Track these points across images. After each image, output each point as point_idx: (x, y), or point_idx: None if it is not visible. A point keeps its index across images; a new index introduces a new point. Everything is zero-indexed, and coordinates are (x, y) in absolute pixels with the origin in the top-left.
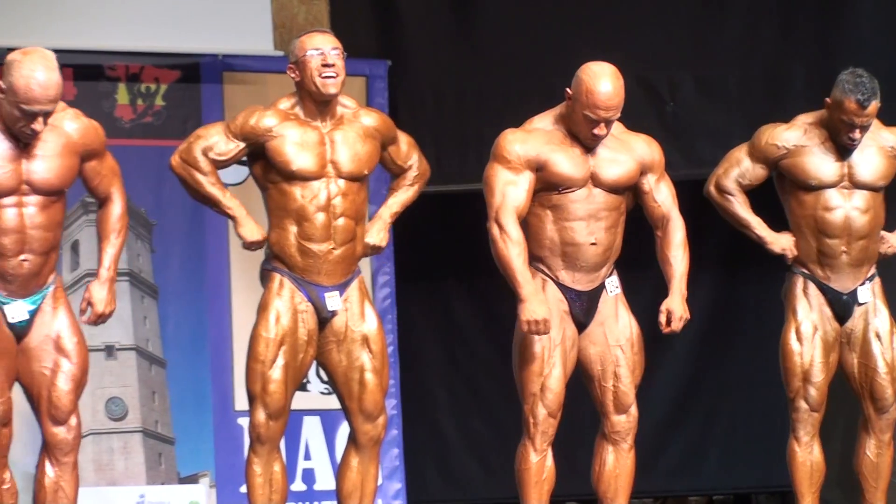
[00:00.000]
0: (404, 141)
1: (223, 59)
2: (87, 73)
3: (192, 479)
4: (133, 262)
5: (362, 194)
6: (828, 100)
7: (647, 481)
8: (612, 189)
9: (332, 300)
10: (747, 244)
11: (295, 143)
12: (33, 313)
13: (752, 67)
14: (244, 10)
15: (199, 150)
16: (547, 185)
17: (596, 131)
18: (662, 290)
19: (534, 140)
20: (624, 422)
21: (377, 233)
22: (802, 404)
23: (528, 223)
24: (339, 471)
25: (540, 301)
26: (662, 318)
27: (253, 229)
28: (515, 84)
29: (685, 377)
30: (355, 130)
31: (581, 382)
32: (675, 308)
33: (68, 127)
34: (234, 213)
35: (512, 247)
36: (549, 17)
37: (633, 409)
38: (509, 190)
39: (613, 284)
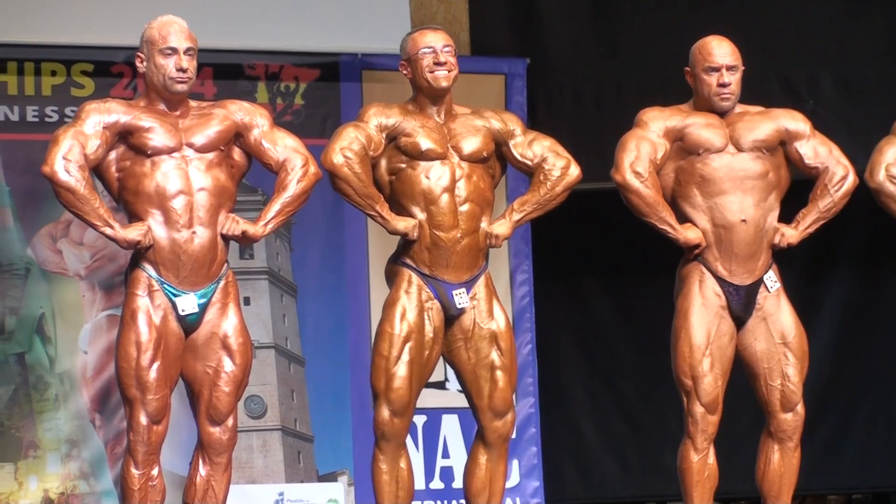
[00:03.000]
0: (538, 139)
1: (362, 57)
2: (226, 72)
3: (330, 477)
4: (272, 260)
5: (486, 180)
6: None
7: None
8: (754, 147)
9: (460, 297)
10: (887, 238)
11: (418, 128)
12: (203, 306)
13: (892, 64)
14: (383, 9)
15: (359, 147)
16: (688, 152)
17: (722, 80)
18: None
19: (673, 112)
20: (791, 420)
21: (499, 223)
22: None
23: (678, 212)
24: (468, 468)
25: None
26: (777, 237)
27: (404, 219)
28: (654, 82)
29: (824, 374)
30: (470, 120)
31: (741, 381)
32: (789, 233)
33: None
34: (385, 212)
35: (655, 192)
36: (687, 15)
37: (800, 408)
38: (644, 145)
39: (773, 280)
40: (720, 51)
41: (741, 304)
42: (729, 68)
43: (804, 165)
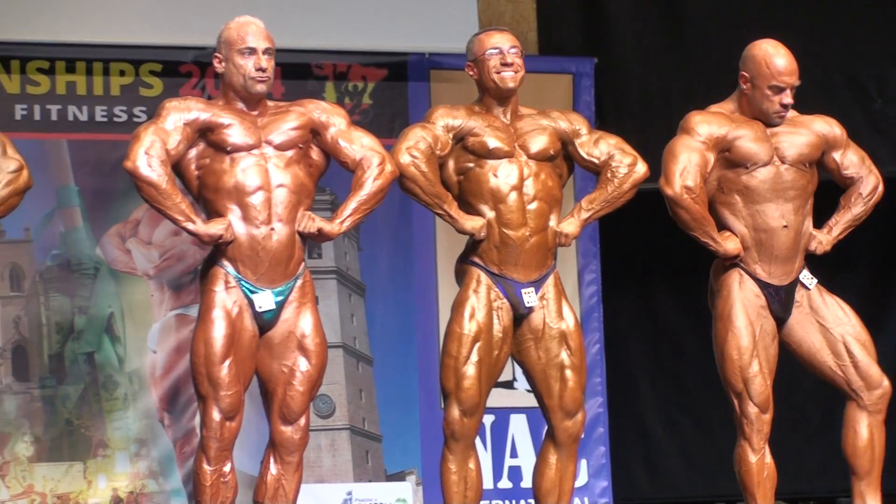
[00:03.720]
0: (604, 137)
1: (430, 57)
2: (295, 72)
3: (398, 477)
4: (340, 260)
5: (554, 178)
6: None
7: None
8: (799, 161)
9: (529, 296)
10: None
11: (485, 127)
12: (280, 304)
13: None
14: (451, 9)
15: (425, 146)
16: (734, 164)
17: (785, 100)
18: None
19: (720, 119)
20: (879, 394)
21: (568, 221)
22: None
23: (717, 219)
24: (537, 468)
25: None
26: (814, 244)
27: (472, 218)
28: (721, 81)
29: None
30: (536, 120)
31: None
32: (825, 240)
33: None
34: (453, 211)
35: (702, 206)
36: (755, 15)
37: (886, 381)
38: (694, 156)
39: (808, 277)
40: (788, 69)
41: (781, 304)
42: (792, 88)
43: (839, 175)
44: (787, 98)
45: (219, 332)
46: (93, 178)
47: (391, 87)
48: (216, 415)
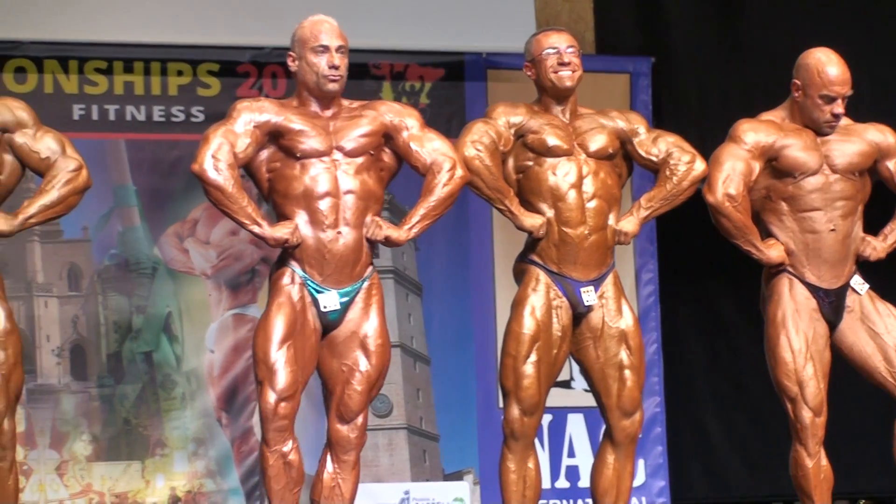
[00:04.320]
0: (662, 136)
1: (487, 56)
2: (352, 72)
3: (456, 476)
4: (397, 259)
5: (613, 177)
6: None
7: None
8: (848, 171)
9: (588, 295)
10: None
11: (545, 125)
12: (346, 305)
13: None
14: (508, 8)
15: (489, 141)
16: (781, 173)
17: (836, 110)
18: None
19: (769, 127)
20: None
21: (627, 220)
22: None
23: (763, 225)
24: (595, 468)
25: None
26: (868, 251)
27: (532, 215)
28: (780, 81)
29: None
30: (595, 119)
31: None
32: (879, 247)
33: None
34: (514, 207)
35: (745, 215)
36: (814, 14)
37: None
38: (739, 164)
39: (860, 282)
40: (840, 78)
41: (832, 307)
42: (844, 98)
43: (893, 184)
44: (839, 108)
45: (279, 318)
46: (150, 177)
47: (448, 86)
48: (271, 396)
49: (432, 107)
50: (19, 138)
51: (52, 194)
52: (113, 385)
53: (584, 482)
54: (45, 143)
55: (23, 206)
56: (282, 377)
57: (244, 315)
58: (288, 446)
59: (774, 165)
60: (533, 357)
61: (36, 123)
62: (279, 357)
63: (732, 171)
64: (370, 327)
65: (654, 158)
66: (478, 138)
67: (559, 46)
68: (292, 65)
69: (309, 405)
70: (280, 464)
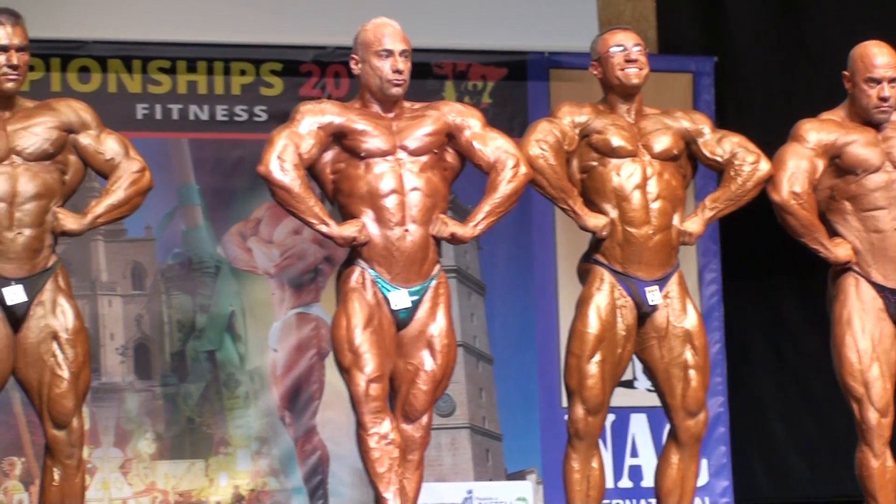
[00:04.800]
0: (727, 136)
1: (549, 56)
2: (415, 71)
3: (518, 476)
4: (460, 258)
5: (677, 178)
6: None
7: None
8: None
9: (653, 294)
10: None
11: (609, 126)
12: (416, 303)
13: None
14: (570, 8)
15: (554, 140)
16: (844, 171)
17: (883, 93)
18: None
19: (830, 126)
20: None
21: (692, 220)
22: None
23: (829, 225)
24: (659, 467)
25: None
26: None
27: (595, 216)
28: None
29: None
30: (660, 119)
31: None
32: None
33: None
34: (578, 207)
35: (811, 212)
36: (877, 12)
37: None
38: (803, 163)
39: None
40: (882, 61)
41: None
42: (891, 81)
43: None
44: (885, 91)
45: (357, 308)
46: (213, 176)
47: (511, 86)
48: (360, 379)
49: (494, 106)
50: (83, 139)
51: (118, 194)
52: (177, 384)
53: (647, 482)
54: (108, 145)
55: (90, 205)
56: (368, 359)
57: (307, 314)
58: (386, 427)
59: (837, 163)
60: (597, 356)
61: (98, 125)
62: (363, 341)
63: (797, 170)
64: (437, 327)
65: (719, 159)
66: (542, 137)
67: (626, 44)
68: (355, 67)
69: None
70: (381, 446)
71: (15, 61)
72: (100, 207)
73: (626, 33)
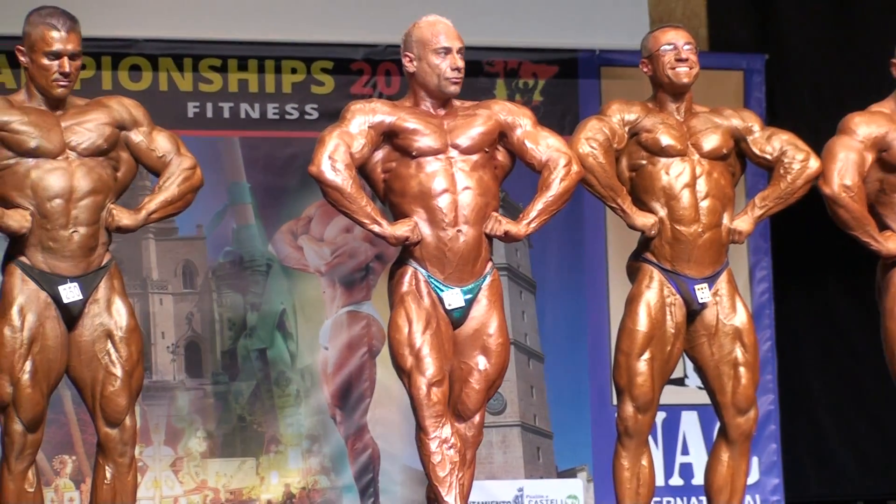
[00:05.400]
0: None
1: (600, 53)
2: (466, 70)
3: (569, 474)
4: (511, 256)
5: (727, 177)
6: None
7: None
8: None
9: (702, 292)
10: None
11: (659, 124)
12: (469, 302)
13: None
14: (621, 5)
15: (603, 138)
16: (892, 166)
17: None
18: None
19: (878, 119)
20: None
21: (741, 219)
22: None
23: (879, 218)
24: (709, 465)
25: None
26: None
27: (644, 214)
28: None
29: None
30: (709, 118)
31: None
32: None
33: None
34: (627, 206)
35: (861, 205)
36: None
37: None
38: (852, 156)
39: None
40: None
41: None
42: None
43: None
44: None
45: (415, 309)
46: (264, 175)
47: (562, 84)
48: (422, 383)
49: (545, 104)
50: (135, 136)
51: (171, 191)
52: (227, 382)
53: (698, 480)
54: (160, 142)
55: (143, 202)
56: (429, 363)
57: (358, 312)
58: (447, 431)
59: (884, 157)
60: (646, 354)
61: (150, 122)
62: (424, 344)
63: (847, 162)
64: (491, 326)
65: (769, 157)
66: (592, 135)
67: (676, 42)
68: (409, 65)
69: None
70: (442, 450)
71: (67, 68)
72: (153, 203)
73: (677, 31)
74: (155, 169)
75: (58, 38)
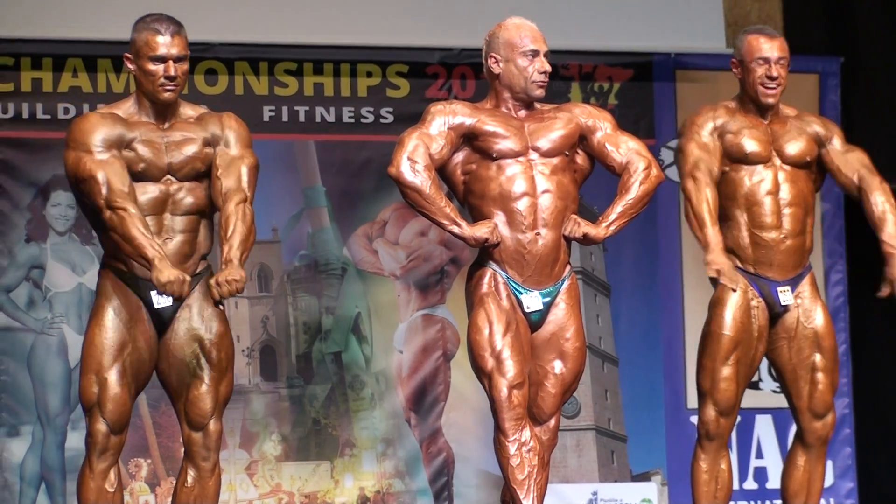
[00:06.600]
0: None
1: (675, 57)
2: None
3: (643, 477)
4: (585, 260)
5: (809, 185)
6: None
7: None
8: None
9: (785, 295)
10: None
11: (744, 128)
12: (548, 305)
13: None
14: (696, 8)
15: (704, 168)
16: None
17: None
18: None
19: None
20: None
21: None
22: None
23: None
24: (785, 469)
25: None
26: None
27: (715, 252)
28: None
29: None
30: (794, 123)
31: None
32: None
33: None
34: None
35: None
36: None
37: None
38: None
39: None
40: None
41: None
42: None
43: None
44: None
45: (495, 311)
46: (340, 178)
47: (637, 87)
48: (503, 385)
49: (620, 107)
50: (217, 155)
51: (241, 234)
52: (302, 385)
53: (773, 483)
54: (233, 172)
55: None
56: (510, 365)
57: (433, 315)
58: (526, 434)
59: None
60: (731, 358)
61: (242, 146)
62: (505, 346)
63: None
64: (568, 330)
65: (843, 171)
66: (694, 163)
67: (770, 57)
68: (495, 66)
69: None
70: (522, 453)
71: (172, 72)
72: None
73: (772, 42)
74: (214, 196)
75: (162, 42)
